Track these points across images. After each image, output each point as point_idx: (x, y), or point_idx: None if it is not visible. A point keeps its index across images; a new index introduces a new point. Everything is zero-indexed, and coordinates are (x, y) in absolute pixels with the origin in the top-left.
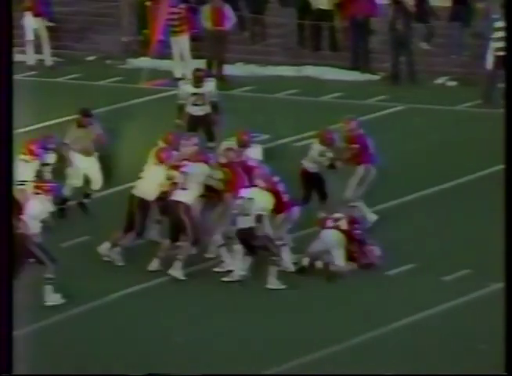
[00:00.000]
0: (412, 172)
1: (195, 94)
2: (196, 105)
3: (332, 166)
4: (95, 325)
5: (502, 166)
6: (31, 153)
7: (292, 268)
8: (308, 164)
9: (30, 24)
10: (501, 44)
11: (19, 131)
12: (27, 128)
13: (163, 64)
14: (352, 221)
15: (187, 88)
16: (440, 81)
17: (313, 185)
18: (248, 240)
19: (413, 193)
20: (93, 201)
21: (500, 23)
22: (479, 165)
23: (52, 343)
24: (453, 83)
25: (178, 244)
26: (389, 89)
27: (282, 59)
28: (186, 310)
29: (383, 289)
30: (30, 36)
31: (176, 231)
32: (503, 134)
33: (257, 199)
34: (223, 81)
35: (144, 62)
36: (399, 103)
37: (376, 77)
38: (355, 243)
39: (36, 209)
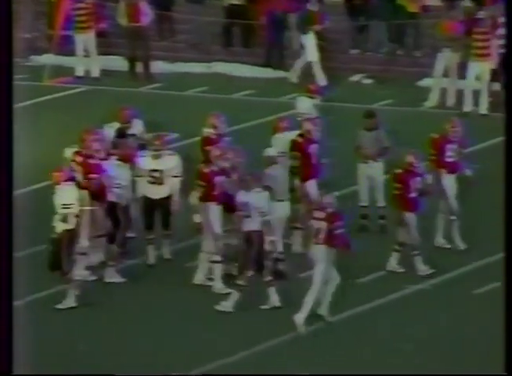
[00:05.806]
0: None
1: None
2: None
3: None
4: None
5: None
6: None
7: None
8: None
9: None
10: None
11: None
12: None
13: (68, 61)
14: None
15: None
16: (355, 78)
17: None
18: None
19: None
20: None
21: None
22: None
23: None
24: (369, 81)
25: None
26: (302, 87)
27: (192, 55)
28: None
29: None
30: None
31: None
32: (504, 135)
33: None
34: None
35: (48, 59)
36: None
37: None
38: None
39: None
